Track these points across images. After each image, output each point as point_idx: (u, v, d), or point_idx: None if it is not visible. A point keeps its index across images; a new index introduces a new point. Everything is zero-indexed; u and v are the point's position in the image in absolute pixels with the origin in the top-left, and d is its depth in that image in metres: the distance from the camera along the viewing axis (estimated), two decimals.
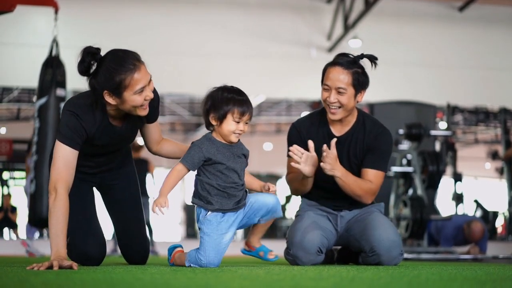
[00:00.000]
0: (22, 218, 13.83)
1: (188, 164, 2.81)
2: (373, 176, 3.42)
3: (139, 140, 9.13)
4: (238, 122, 2.81)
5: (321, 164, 3.28)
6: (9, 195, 14.20)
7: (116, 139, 3.02)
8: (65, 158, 2.80)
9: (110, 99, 2.78)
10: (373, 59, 3.39)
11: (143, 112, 2.85)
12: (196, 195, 2.90)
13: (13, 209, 13.69)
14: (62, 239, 2.66)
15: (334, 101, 3.35)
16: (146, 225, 3.44)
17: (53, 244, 2.65)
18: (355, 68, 3.35)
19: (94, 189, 3.36)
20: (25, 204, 8.08)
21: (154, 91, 2.94)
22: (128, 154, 3.39)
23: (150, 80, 2.80)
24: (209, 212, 2.86)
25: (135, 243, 3.39)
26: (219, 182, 2.84)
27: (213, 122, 2.84)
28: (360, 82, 3.37)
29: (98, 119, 2.88)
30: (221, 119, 2.81)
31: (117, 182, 3.32)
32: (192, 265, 2.91)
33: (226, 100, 2.80)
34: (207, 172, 2.85)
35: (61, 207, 2.70)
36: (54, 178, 2.77)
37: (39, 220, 5.71)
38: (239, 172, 2.89)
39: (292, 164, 3.33)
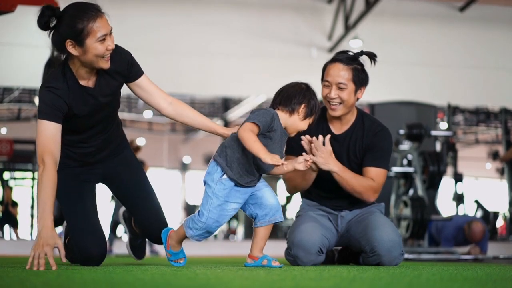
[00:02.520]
0: (23, 214, 13.85)
1: (262, 126, 2.83)
2: (374, 174, 3.41)
3: (138, 141, 9.12)
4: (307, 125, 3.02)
5: (313, 158, 3.26)
6: (10, 188, 14.22)
7: (94, 105, 3.00)
8: (48, 132, 2.84)
9: (72, 50, 2.83)
10: (372, 56, 3.39)
11: (106, 64, 2.89)
12: (222, 155, 2.90)
13: (14, 204, 13.69)
14: (49, 206, 2.73)
15: (334, 96, 3.36)
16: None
17: (40, 210, 2.73)
18: (355, 65, 3.37)
19: (99, 184, 3.37)
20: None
21: (119, 47, 3.01)
22: (122, 137, 3.39)
23: (111, 32, 2.88)
24: (225, 176, 2.88)
25: (153, 220, 3.34)
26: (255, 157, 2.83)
27: (299, 114, 2.96)
28: (360, 78, 3.38)
29: (69, 84, 2.91)
30: (306, 117, 2.98)
31: (120, 168, 3.33)
32: (189, 229, 2.92)
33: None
34: None
35: (49, 176, 2.77)
36: (40, 151, 2.83)
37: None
38: None
39: (304, 154, 3.30)
